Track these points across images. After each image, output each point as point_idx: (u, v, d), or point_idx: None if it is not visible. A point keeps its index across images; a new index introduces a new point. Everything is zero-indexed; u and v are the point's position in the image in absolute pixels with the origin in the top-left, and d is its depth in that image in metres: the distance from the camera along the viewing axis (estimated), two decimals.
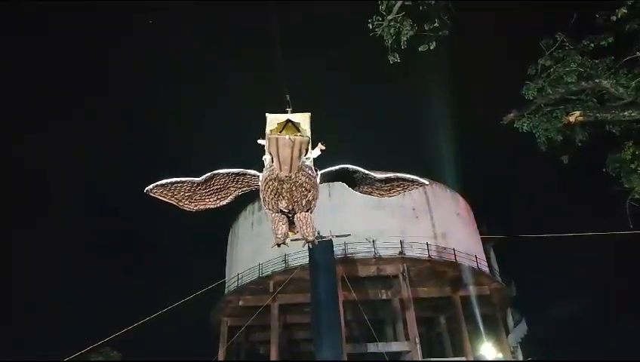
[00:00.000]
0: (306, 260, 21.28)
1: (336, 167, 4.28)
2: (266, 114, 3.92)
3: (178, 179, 4.04)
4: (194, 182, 4.05)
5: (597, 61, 9.75)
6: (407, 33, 8.80)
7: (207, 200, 4.17)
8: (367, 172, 4.35)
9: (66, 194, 67.86)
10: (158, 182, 4.03)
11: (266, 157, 4.00)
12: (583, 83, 9.79)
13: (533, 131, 10.58)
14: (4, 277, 46.96)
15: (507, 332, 28.58)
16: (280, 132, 3.68)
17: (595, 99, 10.16)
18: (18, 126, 59.38)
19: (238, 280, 26.69)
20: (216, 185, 4.11)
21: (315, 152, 4.21)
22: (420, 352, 22.07)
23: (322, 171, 4.16)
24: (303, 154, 3.72)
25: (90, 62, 67.92)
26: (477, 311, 25.39)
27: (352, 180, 4.43)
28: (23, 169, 53.63)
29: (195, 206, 4.18)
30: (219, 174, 4.05)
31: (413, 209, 26.25)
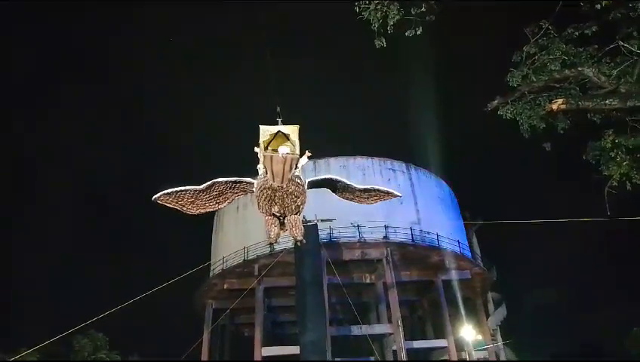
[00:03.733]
0: (291, 244, 21.39)
1: (322, 177, 4.90)
2: (260, 125, 4.34)
3: (182, 188, 4.50)
4: (196, 190, 4.52)
5: (581, 49, 9.83)
6: (393, 17, 8.75)
7: (208, 204, 4.64)
8: (348, 182, 4.97)
9: (52, 178, 66.82)
10: (164, 191, 4.47)
11: (260, 168, 4.49)
12: (567, 71, 9.87)
13: (517, 118, 10.68)
14: None
15: (487, 316, 29.25)
16: (271, 141, 4.25)
17: (577, 88, 10.28)
18: (11, 117, 58.01)
19: (223, 263, 26.73)
20: (216, 191, 4.57)
21: (303, 160, 4.60)
22: (402, 334, 22.49)
23: (309, 180, 4.68)
24: (294, 168, 4.25)
25: (79, 55, 66.45)
26: (458, 295, 25.90)
27: (335, 187, 5.01)
28: (11, 157, 52.63)
29: (197, 210, 4.64)
30: (218, 182, 4.54)
31: None
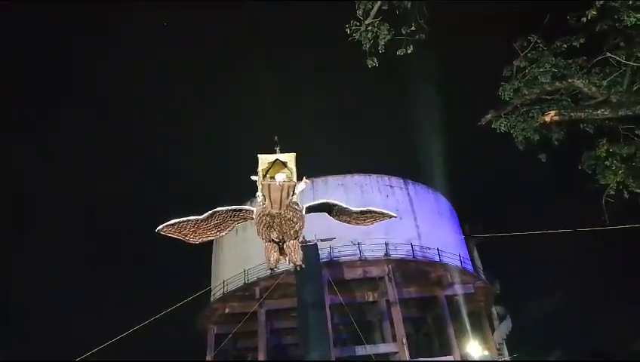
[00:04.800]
0: (292, 265, 21.25)
1: (319, 202, 5.04)
2: (258, 155, 4.49)
3: (184, 219, 4.61)
4: (197, 220, 4.63)
5: (570, 61, 10.02)
6: (384, 37, 8.91)
7: (209, 233, 4.75)
8: (345, 206, 5.11)
9: (51, 204, 66.70)
10: (167, 223, 4.59)
11: (259, 195, 4.61)
12: (557, 83, 10.04)
13: (511, 131, 10.80)
14: None
15: (493, 330, 28.94)
16: (269, 169, 4.40)
17: (569, 99, 10.43)
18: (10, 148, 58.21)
19: (224, 287, 26.50)
20: (217, 220, 4.68)
21: (301, 186, 4.74)
22: (407, 353, 22.19)
23: (307, 205, 4.82)
24: (291, 195, 4.42)
25: (78, 78, 67.11)
26: (463, 310, 25.66)
27: (332, 211, 5.16)
28: (7, 180, 52.68)
29: (200, 238, 4.74)
30: (219, 211, 4.66)
31: (397, 210, 26.41)
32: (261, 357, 23.70)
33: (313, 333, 18.51)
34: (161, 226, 4.58)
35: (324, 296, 20.82)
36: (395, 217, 5.56)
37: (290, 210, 4.49)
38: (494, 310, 30.91)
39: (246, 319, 22.28)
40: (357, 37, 9.01)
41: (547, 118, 9.63)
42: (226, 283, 26.45)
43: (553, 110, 9.86)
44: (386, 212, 5.39)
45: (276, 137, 4.99)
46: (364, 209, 5.28)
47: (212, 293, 28.11)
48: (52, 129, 64.93)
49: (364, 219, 5.30)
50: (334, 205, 5.10)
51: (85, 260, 60.14)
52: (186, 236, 4.67)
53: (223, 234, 4.87)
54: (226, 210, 4.69)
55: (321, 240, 21.31)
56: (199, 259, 33.55)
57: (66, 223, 64.55)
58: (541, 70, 10.04)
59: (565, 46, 9.88)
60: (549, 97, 10.51)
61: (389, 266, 24.07)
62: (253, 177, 4.65)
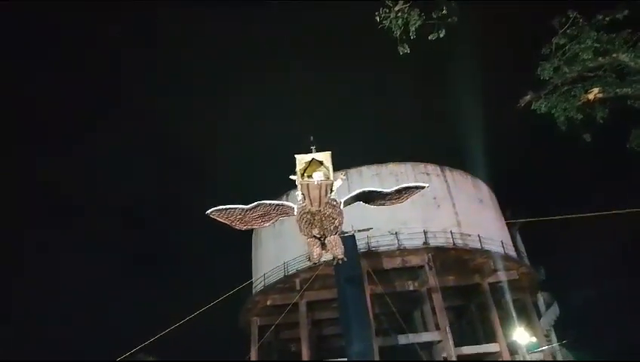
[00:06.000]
0: (330, 256, 21.34)
1: (354, 193, 5.20)
2: (295, 155, 4.79)
3: (232, 206, 5.01)
4: (244, 209, 5.00)
5: (613, 35, 9.51)
6: (415, 23, 8.73)
7: (254, 222, 5.11)
8: (379, 190, 5.31)
9: (91, 204, 69.53)
10: (216, 208, 4.97)
11: (299, 194, 4.91)
12: (600, 58, 9.56)
13: (552, 112, 10.39)
14: (35, 289, 48.64)
15: (539, 316, 28.21)
16: (307, 168, 4.70)
17: (614, 75, 9.91)
18: (39, 140, 60.97)
19: (264, 280, 26.97)
20: (261, 211, 5.04)
21: (337, 183, 4.95)
22: (451, 341, 21.97)
23: (344, 199, 5.04)
24: (329, 192, 4.70)
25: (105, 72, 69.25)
26: (507, 297, 25.15)
27: (368, 199, 5.36)
28: (47, 181, 55.25)
29: (245, 226, 5.10)
30: (263, 204, 5.02)
31: (434, 198, 26.04)
32: (304, 347, 24.04)
33: (354, 324, 18.57)
34: (210, 210, 4.90)
35: (363, 286, 20.83)
36: (427, 187, 5.66)
37: (329, 207, 4.74)
38: (540, 296, 30.12)
39: (287, 311, 22.60)
40: (387, 24, 8.86)
41: (591, 96, 9.24)
42: (266, 276, 26.90)
43: (597, 87, 9.44)
44: (417, 184, 5.55)
45: (312, 137, 5.16)
46: (397, 187, 5.44)
47: (254, 286, 28.64)
48: (87, 128, 67.37)
49: (399, 198, 5.48)
50: (369, 192, 5.26)
51: (128, 259, 62.44)
52: (233, 222, 5.00)
53: (267, 225, 5.20)
54: (270, 204, 4.99)
55: (359, 231, 21.27)
56: (239, 252, 34.22)
57: (106, 224, 67.12)
58: (582, 46, 9.57)
59: (607, 19, 9.38)
60: (591, 74, 10.03)
61: (429, 255, 23.81)
62: (292, 176, 4.87)
